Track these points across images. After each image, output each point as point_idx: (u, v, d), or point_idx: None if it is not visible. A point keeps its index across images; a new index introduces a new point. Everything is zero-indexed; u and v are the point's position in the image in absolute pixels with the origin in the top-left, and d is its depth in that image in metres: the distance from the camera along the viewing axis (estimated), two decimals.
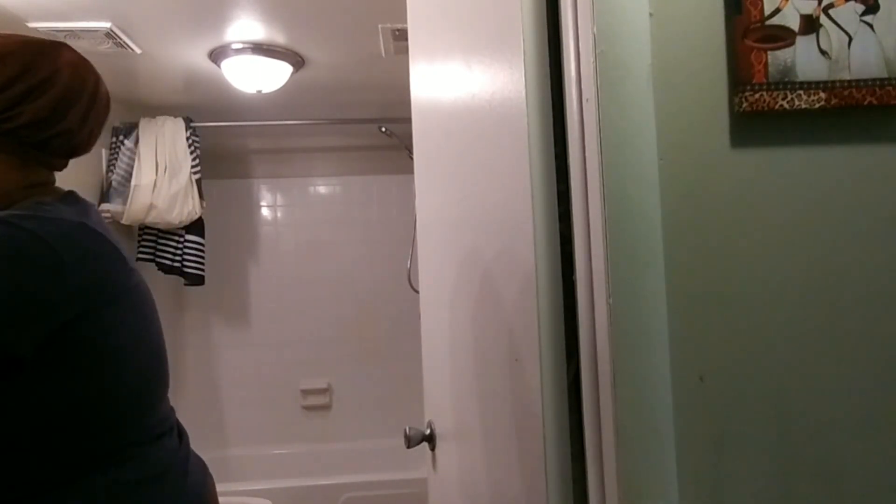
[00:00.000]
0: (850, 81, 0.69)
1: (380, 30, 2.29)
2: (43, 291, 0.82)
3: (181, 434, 1.06)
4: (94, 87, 0.97)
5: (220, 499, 1.15)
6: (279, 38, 2.40)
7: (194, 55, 2.51)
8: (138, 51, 2.41)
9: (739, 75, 0.69)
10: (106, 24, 2.18)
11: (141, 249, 3.07)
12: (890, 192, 0.70)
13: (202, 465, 1.08)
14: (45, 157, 0.95)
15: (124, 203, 2.86)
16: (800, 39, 0.69)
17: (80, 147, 0.98)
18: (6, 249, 0.80)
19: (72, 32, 2.21)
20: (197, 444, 1.12)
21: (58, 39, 0.96)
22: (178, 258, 3.06)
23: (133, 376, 0.93)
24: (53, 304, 0.83)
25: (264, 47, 2.45)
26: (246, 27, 2.29)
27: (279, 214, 3.53)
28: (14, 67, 0.87)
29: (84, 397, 0.88)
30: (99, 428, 0.90)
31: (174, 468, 0.98)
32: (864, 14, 0.70)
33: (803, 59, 0.69)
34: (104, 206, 2.87)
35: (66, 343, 0.85)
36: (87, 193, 2.79)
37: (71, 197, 0.97)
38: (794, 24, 0.69)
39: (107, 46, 2.34)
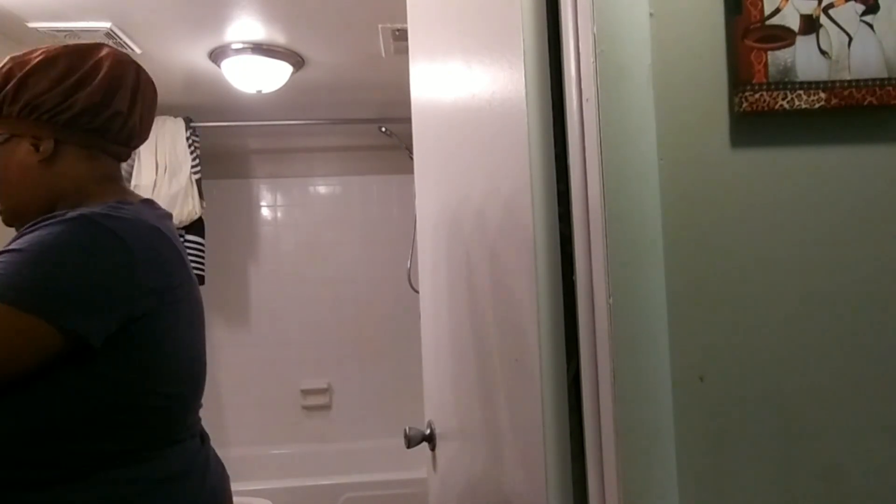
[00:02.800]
0: (850, 81, 0.69)
1: (380, 30, 2.29)
2: (117, 285, 0.89)
3: (203, 437, 1.09)
4: (135, 73, 1.05)
5: None
6: (279, 38, 2.40)
7: (194, 55, 2.51)
8: (138, 51, 2.41)
9: (739, 75, 0.69)
10: (106, 24, 2.18)
11: None
12: (890, 192, 0.70)
13: (222, 469, 1.11)
14: (107, 144, 1.04)
15: None
16: (800, 39, 0.69)
17: (134, 132, 1.07)
18: (86, 242, 0.88)
19: (72, 32, 2.21)
20: None
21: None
22: None
23: (175, 383, 0.98)
24: (124, 298, 0.89)
25: (264, 47, 2.45)
26: (246, 27, 2.29)
27: (279, 214, 3.53)
28: (61, 67, 0.98)
29: (130, 394, 0.92)
30: (133, 425, 0.93)
31: (193, 471, 1.01)
32: (864, 14, 0.70)
33: (803, 59, 0.69)
34: None
35: (129, 339, 0.90)
36: None
37: (149, 203, 1.06)
38: (794, 24, 0.69)
39: None
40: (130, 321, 0.90)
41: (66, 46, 1.01)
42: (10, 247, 0.87)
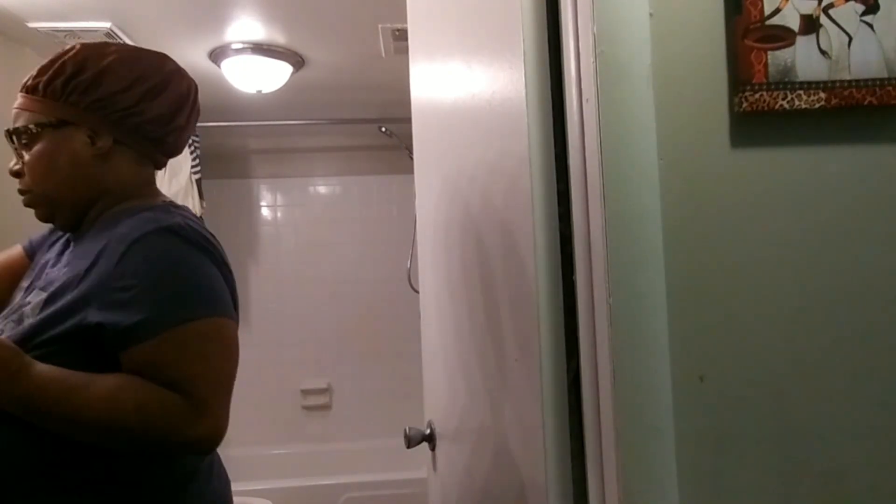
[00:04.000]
0: (850, 81, 0.69)
1: (380, 30, 2.29)
2: (223, 289, 0.96)
3: None
4: (195, 92, 1.09)
5: None
6: (279, 38, 2.40)
7: (194, 55, 2.51)
8: None
9: (739, 75, 0.69)
10: (106, 24, 2.18)
11: None
12: (890, 192, 0.70)
13: (225, 474, 1.10)
14: (157, 155, 1.07)
15: None
16: (800, 39, 0.69)
17: (181, 146, 1.11)
18: (192, 253, 0.93)
19: (72, 32, 2.21)
20: None
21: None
22: None
23: None
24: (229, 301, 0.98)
25: (264, 47, 2.45)
26: (246, 27, 2.29)
27: (279, 214, 3.53)
28: (137, 71, 0.99)
29: None
30: None
31: (201, 472, 1.00)
32: (864, 14, 0.70)
33: (803, 59, 0.69)
34: None
35: None
36: None
37: (188, 209, 1.07)
38: (794, 24, 0.69)
39: None
40: None
41: (139, 50, 1.04)
42: (120, 286, 0.88)
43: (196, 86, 1.09)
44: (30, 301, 0.94)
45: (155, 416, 0.86)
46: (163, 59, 1.04)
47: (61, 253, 1.03)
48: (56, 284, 0.92)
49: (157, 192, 1.07)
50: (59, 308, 0.88)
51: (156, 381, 0.87)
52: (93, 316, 0.87)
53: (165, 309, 0.88)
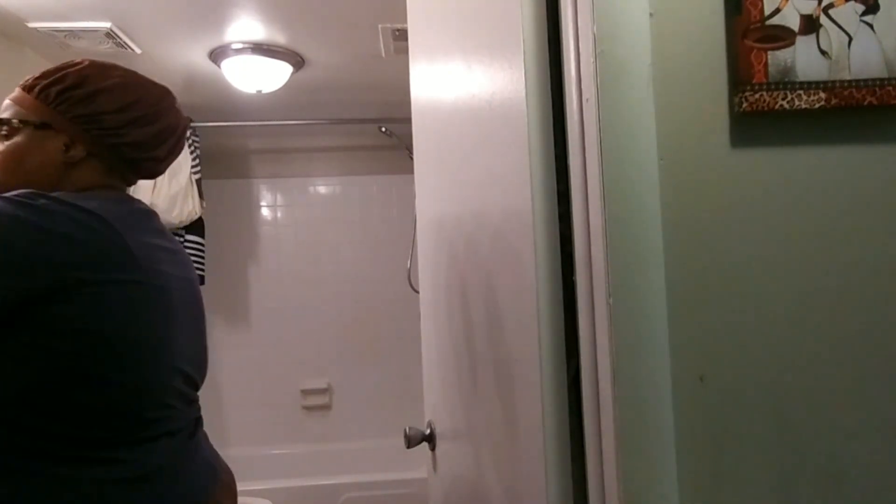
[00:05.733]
0: (850, 81, 0.69)
1: (380, 30, 2.29)
2: (23, 249, 0.87)
3: (192, 437, 1.04)
4: (183, 129, 1.14)
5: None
6: (279, 38, 2.40)
7: (194, 55, 2.51)
8: (138, 51, 2.41)
9: (739, 75, 0.69)
10: (106, 24, 2.18)
11: None
12: (890, 192, 0.70)
13: (209, 472, 1.06)
14: (128, 173, 1.10)
15: None
16: (800, 39, 0.69)
17: (155, 172, 1.15)
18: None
19: (72, 32, 2.21)
20: None
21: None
22: None
23: (121, 371, 0.92)
24: (30, 264, 0.87)
25: (264, 47, 2.45)
26: (246, 27, 2.29)
27: (279, 214, 3.53)
28: (126, 97, 1.04)
29: (66, 381, 0.89)
30: (87, 418, 0.90)
31: (162, 472, 0.96)
32: (864, 14, 0.70)
33: (803, 59, 0.69)
34: None
35: (43, 318, 0.88)
36: None
37: (121, 197, 1.05)
38: (794, 24, 0.69)
39: (107, 46, 2.35)
40: (39, 296, 0.87)
41: (144, 80, 1.09)
42: None
43: (187, 124, 1.15)
44: None
45: None
46: (163, 92, 1.10)
47: None
48: None
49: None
50: None
51: None
52: None
53: None
